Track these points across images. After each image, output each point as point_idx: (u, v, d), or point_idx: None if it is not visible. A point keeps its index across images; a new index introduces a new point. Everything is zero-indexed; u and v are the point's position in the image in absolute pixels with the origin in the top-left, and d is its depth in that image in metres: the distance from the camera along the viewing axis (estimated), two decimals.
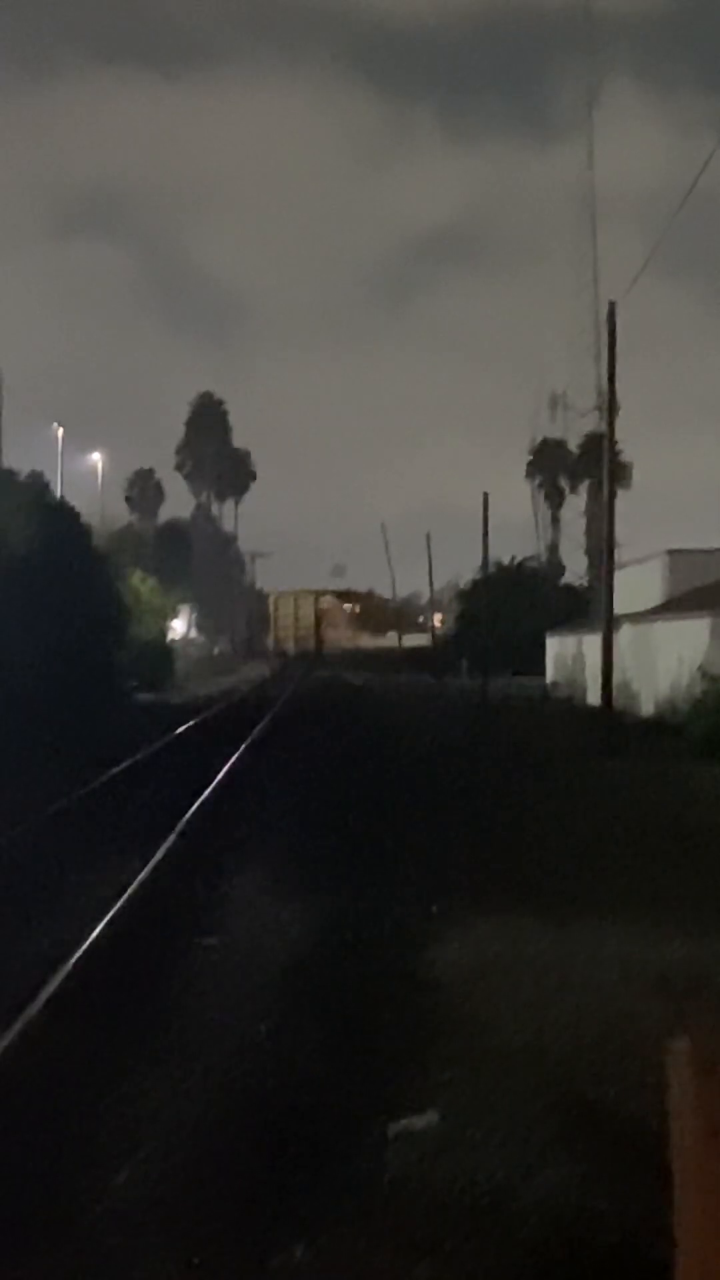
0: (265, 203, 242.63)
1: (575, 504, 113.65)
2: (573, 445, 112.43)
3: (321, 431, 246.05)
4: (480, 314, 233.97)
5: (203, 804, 21.09)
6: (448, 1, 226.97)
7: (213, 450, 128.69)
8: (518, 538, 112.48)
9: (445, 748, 33.26)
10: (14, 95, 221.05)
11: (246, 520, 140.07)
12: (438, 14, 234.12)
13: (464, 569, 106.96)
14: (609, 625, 33.94)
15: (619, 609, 36.11)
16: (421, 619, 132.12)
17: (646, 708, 40.95)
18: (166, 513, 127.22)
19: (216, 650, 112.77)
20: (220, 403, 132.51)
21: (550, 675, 64.28)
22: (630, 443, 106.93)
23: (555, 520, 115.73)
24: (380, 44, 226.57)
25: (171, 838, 17.63)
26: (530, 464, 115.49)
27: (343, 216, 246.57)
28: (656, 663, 41.20)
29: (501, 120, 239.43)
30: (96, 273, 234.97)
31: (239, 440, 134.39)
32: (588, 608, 74.82)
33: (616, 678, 34.41)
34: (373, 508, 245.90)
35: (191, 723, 40.35)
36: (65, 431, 68.25)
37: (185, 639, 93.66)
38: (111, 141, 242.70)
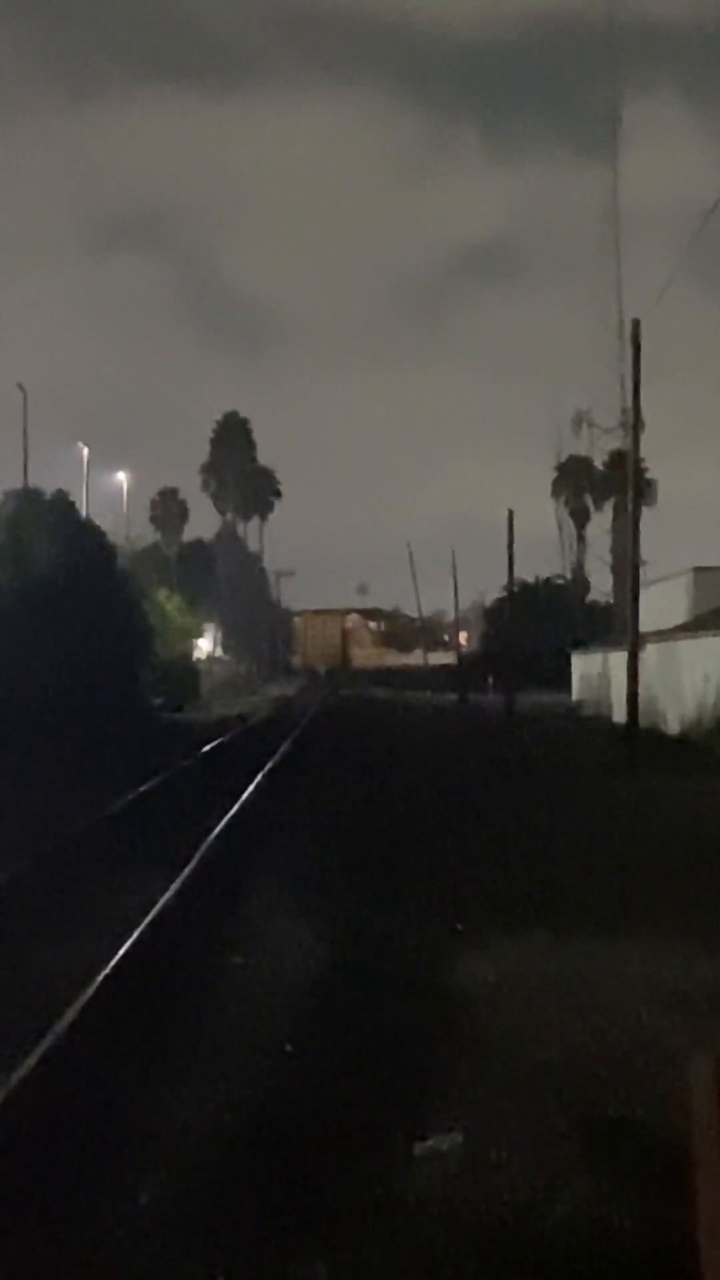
0: (303, 220, 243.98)
1: (601, 521, 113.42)
2: (598, 462, 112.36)
3: (349, 449, 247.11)
4: (514, 331, 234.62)
5: (228, 823, 21.08)
6: (492, 18, 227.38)
7: (238, 468, 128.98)
8: (543, 555, 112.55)
9: (470, 766, 33.23)
10: (59, 113, 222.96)
11: (271, 538, 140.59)
12: (482, 30, 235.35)
13: (489, 587, 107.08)
14: (634, 643, 33.91)
15: (644, 627, 36.11)
16: (447, 637, 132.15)
17: (672, 726, 40.88)
18: (191, 531, 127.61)
19: (242, 669, 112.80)
20: (245, 421, 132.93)
21: (576, 693, 64.28)
22: (656, 459, 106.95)
23: (581, 537, 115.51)
24: (424, 60, 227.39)
25: (196, 858, 17.63)
26: (555, 481, 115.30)
27: (380, 233, 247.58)
28: (682, 680, 41.14)
29: (543, 136, 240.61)
30: (132, 290, 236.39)
31: (266, 458, 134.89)
32: (613, 625, 74.81)
33: (642, 695, 34.38)
34: (398, 525, 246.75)
35: (217, 741, 40.37)
36: (93, 450, 68.59)
37: (210, 658, 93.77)
38: (151, 159, 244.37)
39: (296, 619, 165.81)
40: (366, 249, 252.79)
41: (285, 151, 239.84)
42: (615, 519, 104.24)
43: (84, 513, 54.29)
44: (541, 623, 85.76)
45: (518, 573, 70.44)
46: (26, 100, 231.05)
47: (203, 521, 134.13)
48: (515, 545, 60.37)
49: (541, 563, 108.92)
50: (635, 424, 35.14)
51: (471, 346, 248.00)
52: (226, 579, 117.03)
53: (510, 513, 59.63)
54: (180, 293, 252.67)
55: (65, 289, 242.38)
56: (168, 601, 67.96)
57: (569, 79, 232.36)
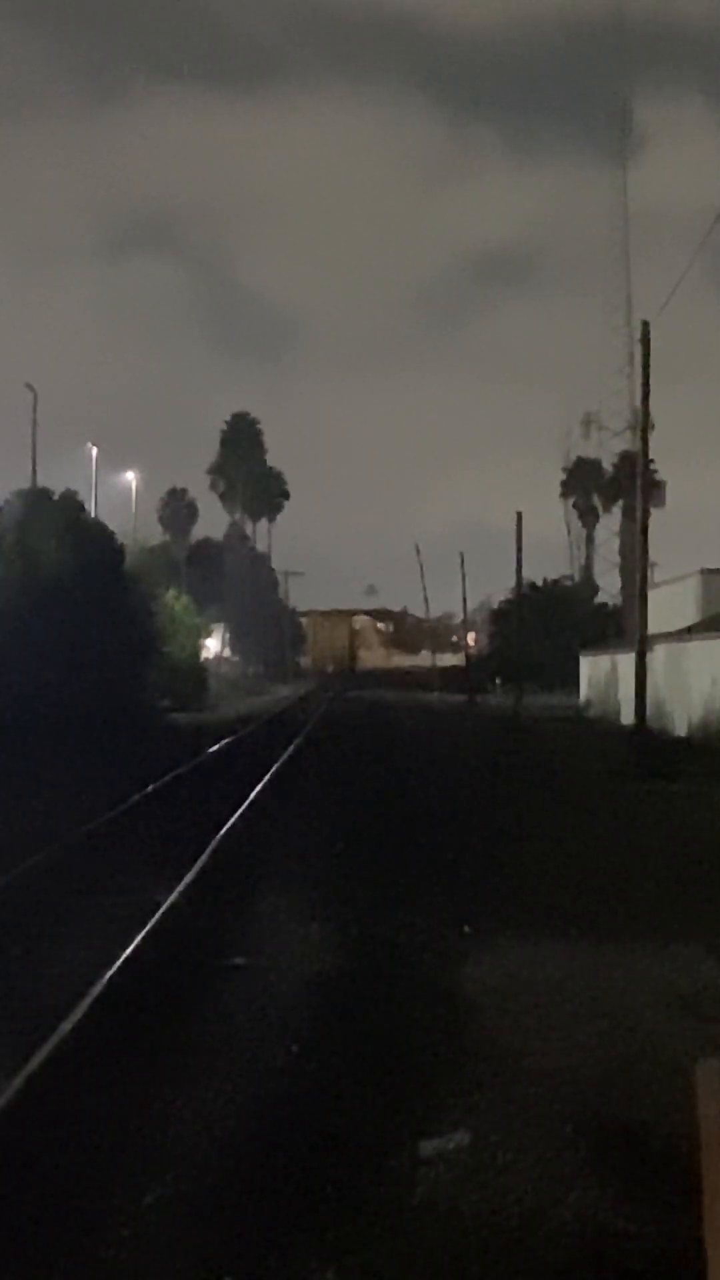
0: (322, 223, 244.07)
1: (609, 523, 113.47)
2: (607, 465, 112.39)
3: (361, 452, 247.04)
4: (530, 336, 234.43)
5: (233, 824, 21.07)
6: (516, 21, 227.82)
7: (246, 469, 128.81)
8: (552, 558, 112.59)
9: (477, 769, 33.20)
10: (82, 115, 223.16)
11: (280, 540, 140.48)
12: (506, 33, 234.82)
13: (498, 589, 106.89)
14: (642, 645, 33.86)
15: (653, 629, 36.06)
16: (455, 638, 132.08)
17: (680, 727, 40.84)
18: (200, 532, 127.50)
19: (249, 669, 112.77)
20: (255, 422, 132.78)
21: (584, 694, 64.24)
22: (665, 462, 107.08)
23: (589, 539, 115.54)
24: (445, 62, 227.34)
25: (204, 856, 17.62)
26: (564, 483, 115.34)
27: (399, 237, 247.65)
28: (690, 682, 41.10)
29: (565, 139, 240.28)
30: (148, 292, 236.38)
31: (279, 460, 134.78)
32: (621, 627, 74.78)
33: (650, 697, 34.34)
34: (408, 528, 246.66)
35: (224, 742, 40.36)
36: (105, 451, 68.62)
37: (218, 658, 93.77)
38: (171, 160, 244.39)
39: (304, 620, 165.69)
40: (384, 253, 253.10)
41: (304, 154, 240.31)
42: (624, 521, 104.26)
43: (93, 513, 54.32)
44: (549, 625, 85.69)
45: (527, 575, 70.50)
46: (48, 102, 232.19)
47: (211, 522, 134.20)
48: (525, 548, 60.38)
49: (550, 566, 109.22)
50: (644, 425, 35.09)
51: (487, 351, 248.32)
52: (235, 580, 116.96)
53: (519, 514, 59.63)
54: (196, 295, 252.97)
55: (82, 290, 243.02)
56: (176, 602, 67.91)
57: (591, 81, 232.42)
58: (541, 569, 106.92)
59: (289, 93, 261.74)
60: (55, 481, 52.97)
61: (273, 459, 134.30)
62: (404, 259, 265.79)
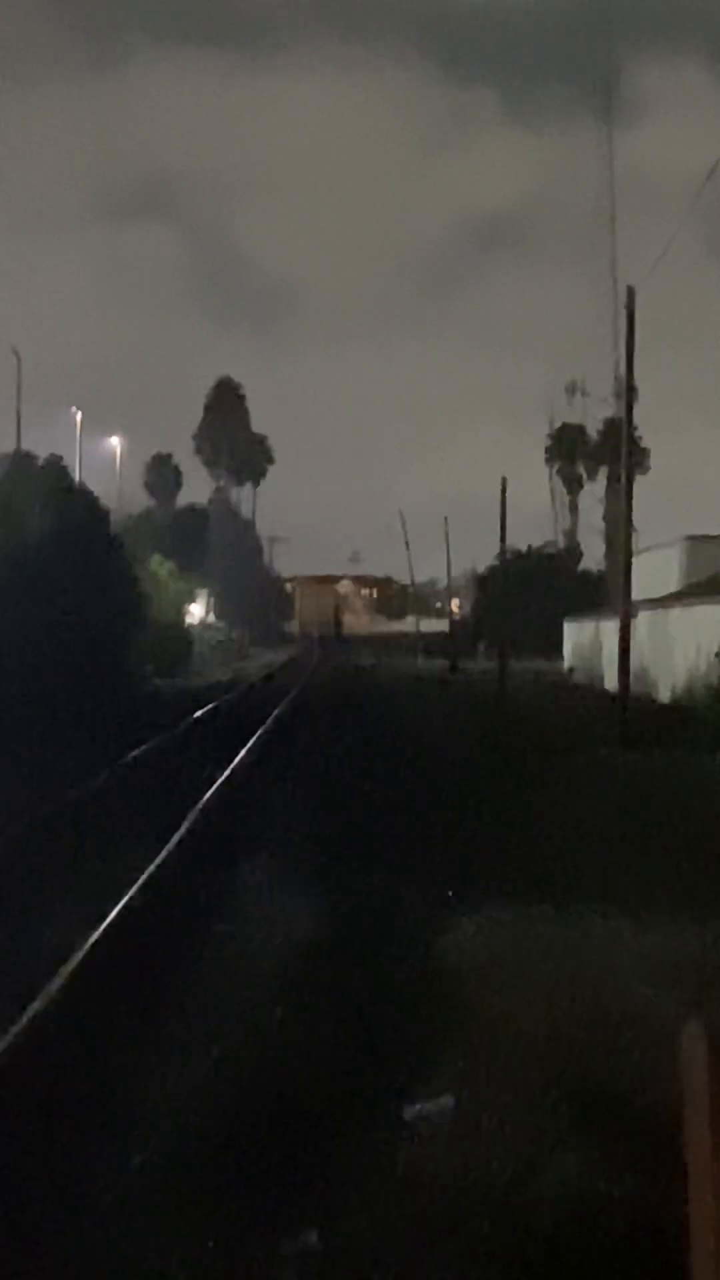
0: (320, 189, 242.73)
1: (594, 490, 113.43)
2: (592, 431, 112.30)
3: (348, 418, 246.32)
4: (523, 302, 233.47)
5: (217, 790, 21.06)
6: None
7: (231, 435, 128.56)
8: (538, 527, 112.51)
9: (461, 734, 33.26)
10: (82, 80, 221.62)
11: (266, 506, 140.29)
12: None
13: (482, 555, 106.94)
14: (626, 611, 33.87)
15: (637, 595, 36.07)
16: (439, 605, 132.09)
17: (664, 694, 40.91)
18: (185, 498, 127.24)
19: (234, 635, 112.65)
20: (238, 387, 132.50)
21: (568, 661, 64.34)
22: (649, 429, 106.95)
23: (573, 506, 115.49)
24: (448, 28, 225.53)
25: (185, 825, 17.60)
26: (548, 450, 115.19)
27: (397, 203, 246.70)
28: (674, 649, 41.16)
29: (567, 105, 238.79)
30: (144, 257, 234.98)
31: (271, 426, 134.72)
32: (605, 594, 74.85)
33: (634, 664, 34.34)
34: (393, 494, 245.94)
35: (209, 707, 40.36)
36: (97, 417, 68.73)
37: (203, 624, 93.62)
38: (170, 126, 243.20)
39: (290, 586, 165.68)
40: (382, 220, 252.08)
41: (303, 120, 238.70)
42: (608, 488, 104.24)
43: (77, 478, 54.11)
44: (534, 591, 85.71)
45: (511, 542, 70.34)
46: (48, 66, 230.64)
47: (197, 488, 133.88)
48: (511, 516, 60.11)
49: (535, 533, 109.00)
50: (628, 392, 35.01)
51: (479, 318, 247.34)
52: (220, 545, 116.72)
53: (504, 480, 59.41)
54: (192, 261, 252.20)
55: (77, 256, 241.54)
56: (160, 567, 67.76)
57: (592, 46, 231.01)
58: (526, 536, 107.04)
59: (289, 59, 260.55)
60: (41, 447, 52.81)
61: (262, 425, 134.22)
62: (401, 225, 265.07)
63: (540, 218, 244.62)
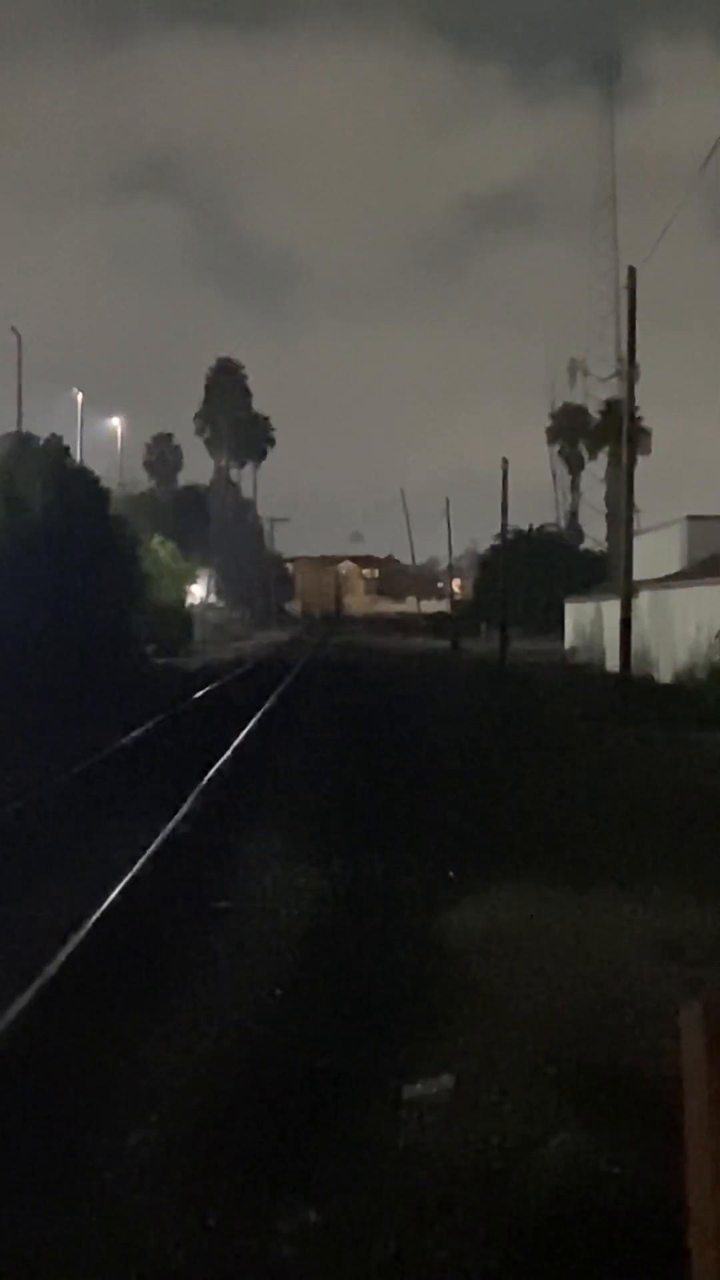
0: (326, 165, 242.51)
1: (595, 470, 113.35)
2: (594, 411, 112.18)
3: (351, 398, 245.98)
4: (527, 281, 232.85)
5: (220, 769, 21.10)
6: None
7: (231, 415, 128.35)
8: (538, 504, 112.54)
9: (462, 713, 33.23)
10: (88, 56, 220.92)
11: (267, 486, 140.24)
12: None
13: (484, 535, 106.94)
14: (627, 591, 33.86)
15: (638, 575, 36.06)
16: (440, 585, 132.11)
17: (665, 674, 40.90)
18: (186, 478, 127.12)
19: (235, 615, 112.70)
20: (240, 367, 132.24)
21: (569, 641, 64.28)
22: (651, 409, 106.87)
23: (574, 486, 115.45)
24: (456, 3, 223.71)
25: (188, 802, 17.62)
26: (550, 430, 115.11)
27: (405, 180, 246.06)
28: (674, 629, 41.14)
29: (575, 82, 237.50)
30: (148, 235, 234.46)
31: (272, 406, 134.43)
32: (606, 574, 74.77)
33: (635, 644, 34.36)
34: (394, 474, 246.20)
35: (210, 686, 40.37)
36: (97, 396, 68.64)
37: (204, 604, 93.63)
38: (176, 103, 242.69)
39: (291, 566, 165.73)
40: (389, 196, 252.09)
41: (310, 97, 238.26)
42: (609, 468, 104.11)
43: (78, 458, 54.05)
44: (535, 571, 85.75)
45: (513, 522, 70.35)
46: (55, 43, 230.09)
47: (198, 468, 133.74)
48: (511, 495, 60.22)
49: (537, 513, 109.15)
50: (629, 371, 34.95)
51: (484, 297, 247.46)
52: (220, 526, 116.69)
53: (505, 460, 59.46)
54: (197, 239, 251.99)
55: (82, 233, 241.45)
56: (161, 547, 67.74)
57: (601, 22, 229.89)
58: (528, 516, 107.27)
59: (296, 35, 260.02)
60: (43, 426, 52.79)
61: (265, 405, 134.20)
62: (407, 203, 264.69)
63: (546, 195, 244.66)
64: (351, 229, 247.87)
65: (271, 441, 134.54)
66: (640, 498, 38.86)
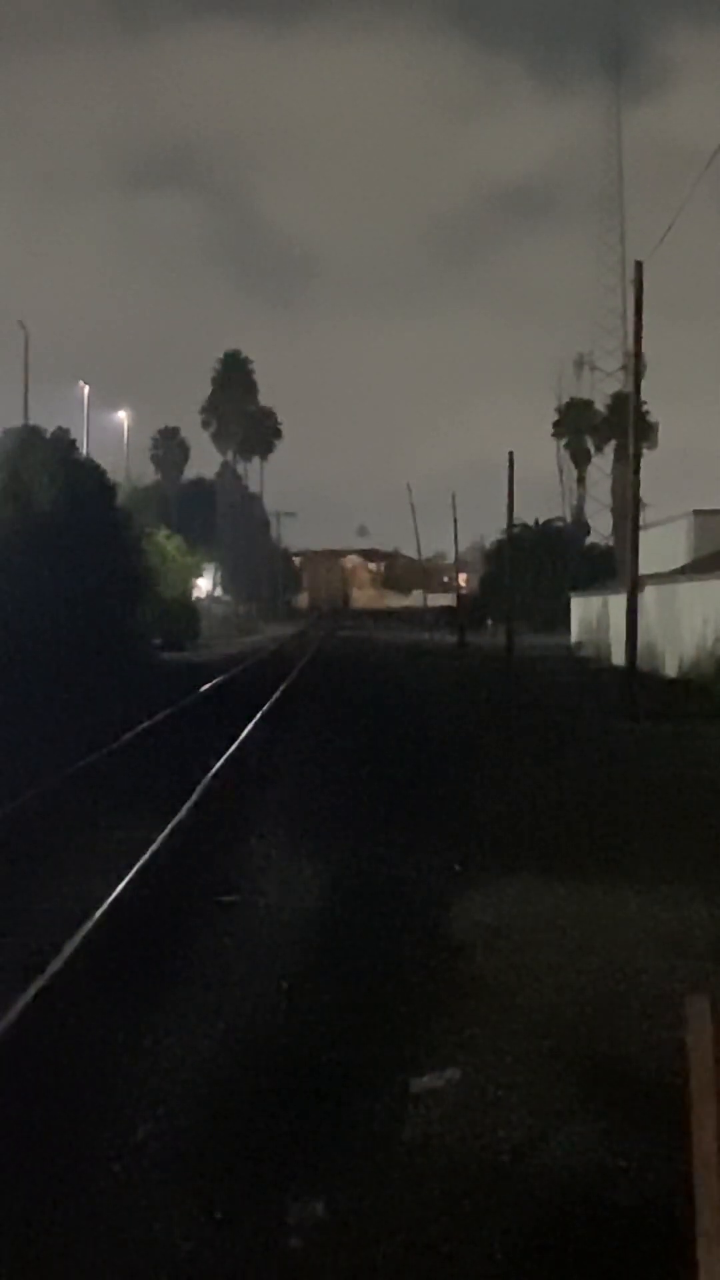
0: (344, 158, 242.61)
1: (602, 464, 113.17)
2: (600, 405, 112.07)
3: (359, 391, 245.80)
4: (539, 273, 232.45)
5: (229, 759, 21.10)
6: None
7: (238, 408, 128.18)
8: (545, 498, 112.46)
9: (468, 708, 33.24)
10: (108, 47, 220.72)
11: (273, 479, 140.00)
12: None
13: (490, 528, 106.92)
14: (633, 585, 33.84)
15: (644, 569, 36.03)
16: (447, 579, 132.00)
17: (671, 668, 40.91)
18: (192, 472, 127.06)
19: (242, 609, 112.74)
20: (247, 361, 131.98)
21: (575, 635, 64.30)
22: (658, 403, 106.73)
23: (581, 480, 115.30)
24: None
25: (193, 795, 17.61)
26: (556, 424, 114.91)
27: (422, 172, 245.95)
28: (681, 623, 41.14)
29: (592, 74, 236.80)
30: (164, 226, 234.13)
31: (280, 400, 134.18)
32: (613, 568, 74.78)
33: (641, 638, 34.33)
34: (401, 468, 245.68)
35: (215, 680, 40.37)
36: (106, 389, 68.93)
37: (210, 597, 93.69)
38: (194, 93, 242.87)
39: (297, 560, 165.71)
40: (407, 188, 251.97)
41: (329, 88, 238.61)
42: (616, 462, 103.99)
43: (84, 451, 54.07)
44: (541, 565, 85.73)
45: (519, 516, 70.28)
46: (74, 33, 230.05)
47: (204, 462, 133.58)
48: (517, 489, 60.12)
49: (543, 507, 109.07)
50: (636, 366, 34.95)
51: (497, 290, 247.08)
52: (227, 519, 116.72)
53: (510, 454, 59.35)
54: (213, 230, 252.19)
55: (97, 223, 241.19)
56: (168, 541, 67.79)
57: (619, 13, 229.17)
58: (534, 510, 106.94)
59: (315, 26, 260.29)
60: (50, 419, 52.72)
61: (270, 397, 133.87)
62: (427, 194, 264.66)
63: (562, 188, 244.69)
64: (365, 221, 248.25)
65: (278, 435, 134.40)
66: (647, 492, 38.80)
